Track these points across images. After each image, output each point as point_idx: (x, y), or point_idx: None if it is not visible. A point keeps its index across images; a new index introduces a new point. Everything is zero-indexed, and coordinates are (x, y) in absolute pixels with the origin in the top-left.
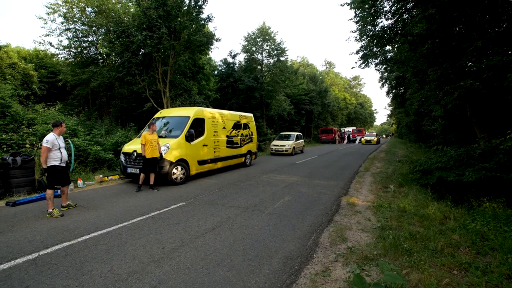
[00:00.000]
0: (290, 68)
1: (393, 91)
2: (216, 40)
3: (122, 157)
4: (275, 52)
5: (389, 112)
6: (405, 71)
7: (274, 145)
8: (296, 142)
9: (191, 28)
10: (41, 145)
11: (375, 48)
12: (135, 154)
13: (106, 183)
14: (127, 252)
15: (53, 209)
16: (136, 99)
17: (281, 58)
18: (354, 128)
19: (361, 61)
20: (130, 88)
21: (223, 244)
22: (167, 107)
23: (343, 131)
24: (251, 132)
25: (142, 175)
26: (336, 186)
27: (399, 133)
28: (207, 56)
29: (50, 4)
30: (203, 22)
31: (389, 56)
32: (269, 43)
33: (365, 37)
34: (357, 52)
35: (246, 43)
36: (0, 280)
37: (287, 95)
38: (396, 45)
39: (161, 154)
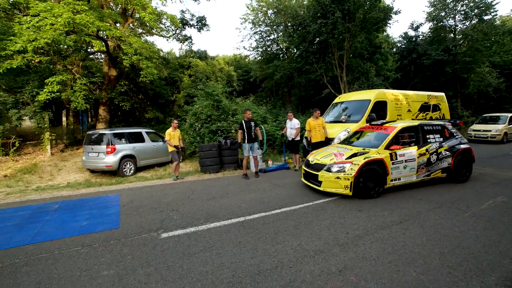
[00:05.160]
0: (500, 29)
1: None
2: (395, 13)
3: (304, 141)
4: (476, 11)
5: None
6: None
7: (474, 130)
8: (510, 126)
9: (365, 5)
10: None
11: None
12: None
13: (290, 164)
14: (313, 231)
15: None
16: (314, 86)
17: (485, 17)
18: None
19: None
20: (307, 77)
21: (413, 241)
22: (345, 92)
23: None
24: (443, 114)
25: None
26: None
27: None
28: (384, 33)
29: (242, 15)
30: None
31: None
32: (466, 1)
33: None
34: None
35: (432, 9)
36: (223, 232)
37: (493, 65)
38: None
39: (326, 137)
